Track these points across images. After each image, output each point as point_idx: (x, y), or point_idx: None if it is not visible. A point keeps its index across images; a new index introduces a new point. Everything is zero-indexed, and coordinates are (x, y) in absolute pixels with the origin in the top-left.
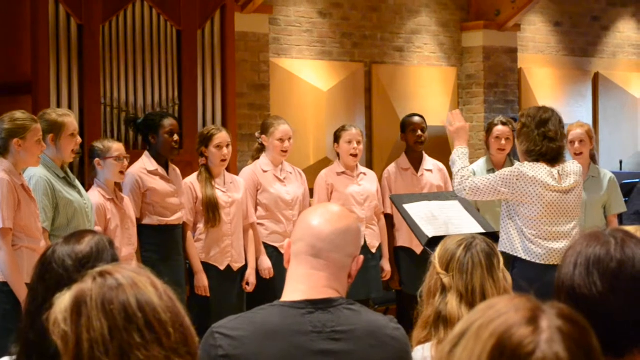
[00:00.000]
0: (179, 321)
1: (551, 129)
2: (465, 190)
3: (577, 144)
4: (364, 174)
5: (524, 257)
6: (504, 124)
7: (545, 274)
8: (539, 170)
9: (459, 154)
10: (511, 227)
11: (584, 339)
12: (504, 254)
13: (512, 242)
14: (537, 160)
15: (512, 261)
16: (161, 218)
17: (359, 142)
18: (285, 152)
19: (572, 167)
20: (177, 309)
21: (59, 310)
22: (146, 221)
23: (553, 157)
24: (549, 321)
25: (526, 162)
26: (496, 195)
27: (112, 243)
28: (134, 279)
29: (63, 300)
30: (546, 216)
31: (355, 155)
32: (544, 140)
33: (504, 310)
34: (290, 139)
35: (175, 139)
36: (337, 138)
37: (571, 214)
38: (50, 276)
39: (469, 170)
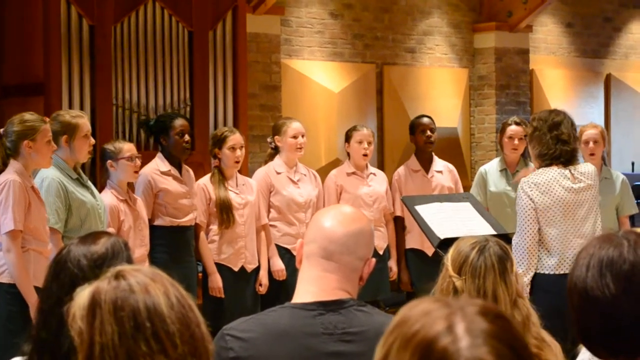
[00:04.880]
0: (189, 332)
1: (564, 132)
2: (517, 246)
3: (591, 144)
4: (374, 174)
5: (543, 272)
6: (517, 124)
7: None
8: (546, 174)
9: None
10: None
11: (506, 334)
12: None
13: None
14: (549, 164)
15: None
16: (173, 219)
17: (369, 143)
18: (300, 149)
19: (585, 168)
20: (188, 320)
21: (77, 307)
22: (158, 222)
23: (567, 160)
24: (465, 324)
25: (532, 174)
26: (526, 219)
27: (127, 245)
28: (147, 286)
29: (82, 296)
30: (562, 216)
31: (365, 155)
32: (557, 143)
33: (418, 325)
34: (303, 135)
35: (186, 140)
36: (348, 138)
37: (588, 213)
38: (65, 275)
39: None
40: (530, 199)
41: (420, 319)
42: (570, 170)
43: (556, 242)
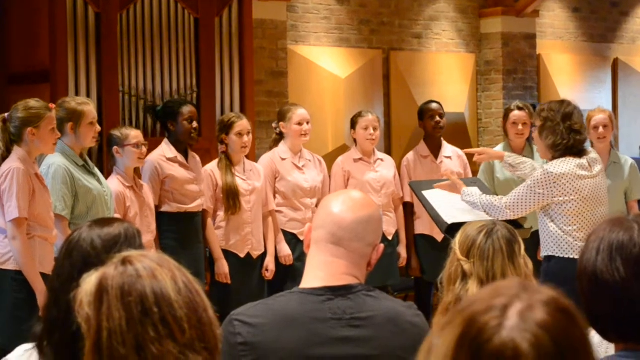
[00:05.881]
0: (197, 317)
1: (576, 122)
2: (504, 210)
3: (601, 129)
4: (381, 159)
5: (562, 255)
6: (520, 109)
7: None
8: (568, 165)
9: (465, 194)
10: (553, 228)
11: (560, 330)
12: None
13: (559, 244)
14: (563, 155)
15: (547, 262)
16: (180, 205)
17: (375, 128)
18: (305, 135)
19: (595, 155)
20: (196, 305)
21: (84, 293)
22: (165, 208)
23: (579, 150)
24: (522, 307)
25: (552, 161)
26: (536, 201)
27: (139, 232)
28: (154, 272)
29: (89, 283)
30: (584, 207)
31: (372, 141)
32: (571, 133)
33: (483, 296)
34: (308, 122)
35: (194, 126)
36: (353, 124)
37: (603, 197)
38: (78, 253)
39: (485, 194)
40: (548, 195)
41: (485, 295)
42: (587, 160)
43: (582, 231)
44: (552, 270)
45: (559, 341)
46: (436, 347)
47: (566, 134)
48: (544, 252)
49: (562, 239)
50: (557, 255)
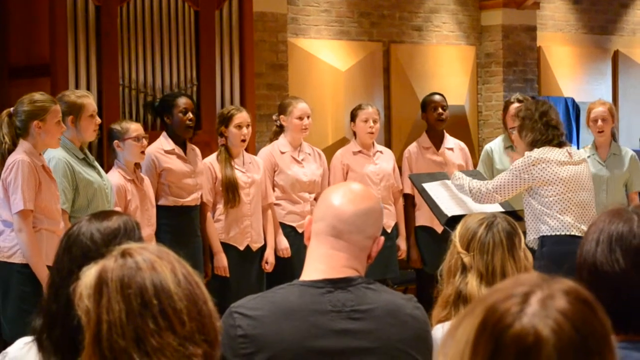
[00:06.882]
0: (196, 309)
1: (553, 118)
2: (492, 194)
3: (599, 122)
4: (381, 152)
5: (553, 233)
6: (520, 101)
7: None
8: (549, 152)
9: (455, 178)
10: (539, 209)
11: (582, 319)
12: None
13: (547, 223)
14: (543, 146)
15: (540, 243)
16: (177, 199)
17: (375, 121)
18: (305, 129)
19: (575, 150)
20: (195, 297)
21: (84, 286)
22: (161, 202)
23: (559, 143)
24: (543, 295)
25: (534, 149)
26: (520, 184)
27: (138, 225)
28: (154, 264)
29: (88, 276)
30: (566, 190)
31: (371, 134)
32: (549, 129)
33: (505, 285)
34: (309, 116)
35: (189, 117)
36: (353, 117)
37: (586, 184)
38: (77, 248)
39: (475, 180)
40: (529, 178)
41: (505, 285)
42: (567, 150)
43: (566, 213)
44: (549, 249)
45: (580, 329)
46: (456, 337)
47: (544, 129)
48: (534, 235)
49: (549, 217)
50: (548, 234)
